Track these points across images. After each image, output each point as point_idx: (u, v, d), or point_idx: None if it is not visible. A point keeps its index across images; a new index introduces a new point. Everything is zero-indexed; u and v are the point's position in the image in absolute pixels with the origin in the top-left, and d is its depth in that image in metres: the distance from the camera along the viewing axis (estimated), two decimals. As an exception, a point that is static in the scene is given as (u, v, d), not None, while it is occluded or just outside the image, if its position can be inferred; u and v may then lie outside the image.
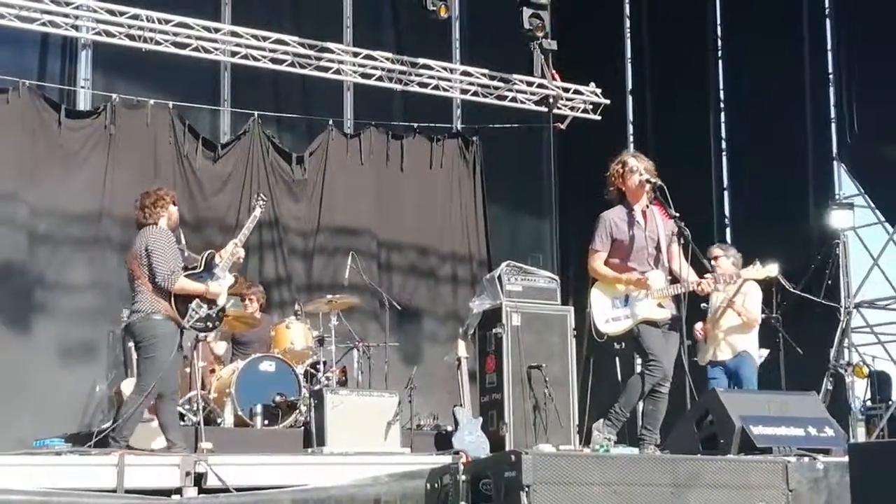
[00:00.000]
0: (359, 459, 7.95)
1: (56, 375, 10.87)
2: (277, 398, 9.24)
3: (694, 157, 13.53)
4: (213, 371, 9.76)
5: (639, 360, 7.23)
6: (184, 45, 11.40)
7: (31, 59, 11.64)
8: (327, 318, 9.97)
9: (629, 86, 14.91)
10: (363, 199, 13.08)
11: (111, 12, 11.06)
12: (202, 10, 11.95)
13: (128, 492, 6.53)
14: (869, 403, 11.90)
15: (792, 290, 10.47)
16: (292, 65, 12.03)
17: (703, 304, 8.75)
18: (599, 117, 13.43)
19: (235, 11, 12.60)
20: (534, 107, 13.33)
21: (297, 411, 9.26)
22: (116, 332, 10.21)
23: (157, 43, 11.25)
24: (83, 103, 11.88)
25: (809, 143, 12.70)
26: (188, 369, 8.99)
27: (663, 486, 5.11)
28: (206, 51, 11.58)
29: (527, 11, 12.07)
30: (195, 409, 8.56)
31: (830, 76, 12.82)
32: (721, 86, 14.05)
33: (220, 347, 10.19)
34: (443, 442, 9.39)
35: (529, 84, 13.14)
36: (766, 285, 8.91)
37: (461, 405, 9.29)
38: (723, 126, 14.02)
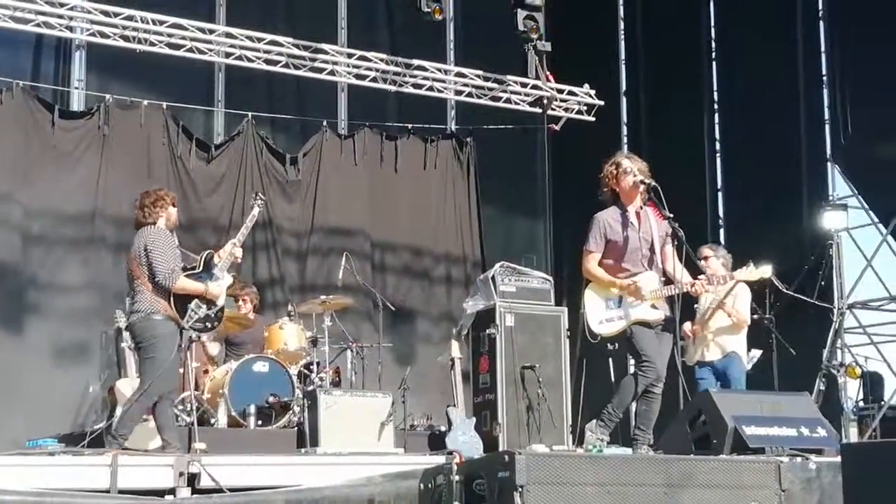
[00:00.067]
0: (352, 460, 7.96)
1: (49, 376, 10.86)
2: (271, 399, 9.25)
3: (688, 158, 13.53)
4: (206, 372, 9.77)
5: (632, 361, 7.24)
6: (178, 47, 11.39)
7: (25, 59, 11.63)
8: (321, 319, 9.95)
9: (623, 87, 14.89)
10: (357, 199, 13.07)
11: (105, 13, 11.06)
12: (196, 12, 11.94)
13: (121, 492, 6.52)
14: (861, 404, 11.92)
15: (785, 290, 10.49)
16: (286, 66, 12.02)
17: (695, 305, 8.78)
18: (593, 118, 13.43)
19: (230, 13, 12.60)
20: (528, 108, 13.32)
21: (291, 412, 9.27)
22: (110, 333, 10.20)
23: (152, 44, 11.24)
24: (77, 104, 11.87)
25: (803, 144, 12.69)
26: (181, 370, 8.98)
27: (656, 487, 5.11)
28: (201, 52, 11.57)
29: (521, 13, 12.05)
30: (188, 409, 8.55)
31: (824, 78, 12.82)
32: (715, 87, 14.04)
33: (214, 348, 10.18)
34: (436, 442, 9.40)
35: (523, 85, 13.13)
36: (760, 286, 8.92)
37: (455, 405, 9.30)
38: (717, 127, 14.00)
